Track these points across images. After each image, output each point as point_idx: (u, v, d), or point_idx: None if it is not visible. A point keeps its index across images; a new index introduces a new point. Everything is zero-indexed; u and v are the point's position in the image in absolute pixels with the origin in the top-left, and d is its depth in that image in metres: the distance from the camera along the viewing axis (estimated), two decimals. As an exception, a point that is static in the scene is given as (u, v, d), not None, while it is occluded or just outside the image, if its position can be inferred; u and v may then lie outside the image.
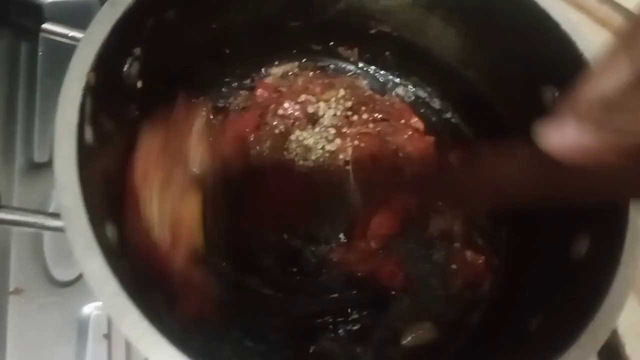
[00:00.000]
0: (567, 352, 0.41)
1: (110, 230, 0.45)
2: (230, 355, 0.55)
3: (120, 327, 0.37)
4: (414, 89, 0.72)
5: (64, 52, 0.68)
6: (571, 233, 0.51)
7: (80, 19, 0.50)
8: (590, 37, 0.52)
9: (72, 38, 0.47)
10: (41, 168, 0.67)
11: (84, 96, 0.43)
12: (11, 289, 0.61)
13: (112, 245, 0.44)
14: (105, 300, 0.38)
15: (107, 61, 0.45)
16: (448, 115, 0.70)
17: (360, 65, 0.72)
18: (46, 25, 0.47)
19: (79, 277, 0.62)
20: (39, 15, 0.47)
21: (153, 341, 0.37)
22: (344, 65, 0.72)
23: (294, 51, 0.69)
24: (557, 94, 0.55)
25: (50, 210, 0.63)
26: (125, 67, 0.50)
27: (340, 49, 0.71)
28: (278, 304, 0.59)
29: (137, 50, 0.50)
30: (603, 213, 0.49)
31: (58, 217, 0.41)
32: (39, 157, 0.68)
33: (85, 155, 0.42)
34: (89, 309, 0.61)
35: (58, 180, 0.40)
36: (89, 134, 0.44)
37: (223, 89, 0.69)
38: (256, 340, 0.57)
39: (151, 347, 0.37)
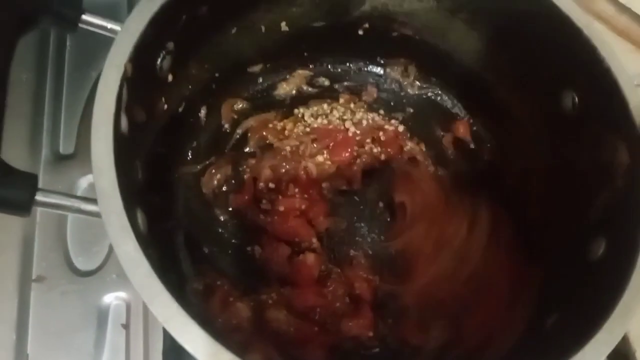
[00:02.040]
0: (581, 351, 0.42)
1: (141, 218, 0.46)
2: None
3: (151, 307, 0.38)
4: (432, 92, 0.73)
5: (91, 47, 0.71)
6: (587, 235, 0.52)
7: (111, 13, 0.51)
8: (611, 45, 0.54)
9: (110, 30, 0.48)
10: (67, 160, 0.68)
11: (121, 85, 0.44)
12: (34, 276, 0.62)
13: (142, 232, 0.45)
14: (137, 281, 0.39)
15: (143, 53, 0.46)
16: (466, 118, 0.71)
17: (379, 69, 0.73)
18: (86, 17, 0.48)
19: (100, 266, 0.63)
20: (78, 6, 0.48)
21: (182, 322, 0.38)
22: (366, 69, 0.73)
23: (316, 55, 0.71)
24: (576, 99, 0.56)
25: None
26: (159, 61, 0.51)
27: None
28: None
29: (171, 45, 0.52)
30: (619, 215, 0.50)
31: (93, 201, 0.42)
32: (64, 149, 0.69)
33: (120, 143, 0.43)
34: (109, 298, 0.62)
35: (96, 164, 0.41)
36: (124, 123, 0.45)
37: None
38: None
39: (180, 328, 0.38)
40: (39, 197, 0.41)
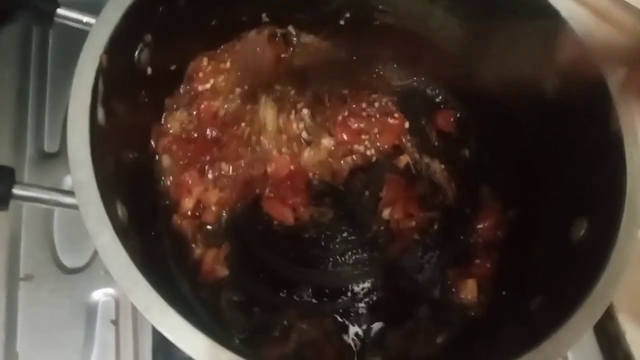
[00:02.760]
0: (563, 327, 0.42)
1: (121, 210, 0.46)
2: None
3: (130, 297, 0.38)
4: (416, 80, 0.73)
5: (74, 43, 0.70)
6: (570, 215, 0.52)
7: (91, 7, 0.51)
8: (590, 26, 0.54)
9: (86, 24, 0.48)
10: (51, 158, 0.68)
11: (97, 77, 0.44)
12: (21, 275, 0.62)
13: (123, 223, 0.45)
14: (116, 272, 0.39)
15: (119, 45, 0.47)
16: (448, 109, 0.71)
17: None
18: (61, 10, 0.48)
19: (88, 263, 0.63)
20: (54, 0, 0.48)
21: (161, 311, 0.38)
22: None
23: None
24: (557, 82, 0.56)
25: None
26: (136, 53, 0.51)
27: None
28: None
29: (148, 37, 0.52)
30: (601, 195, 0.50)
31: (72, 194, 0.42)
32: (49, 147, 0.69)
33: (97, 135, 0.43)
34: (98, 295, 0.62)
35: (72, 157, 0.41)
36: (101, 115, 0.45)
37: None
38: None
39: (159, 316, 0.38)
40: (17, 190, 0.42)
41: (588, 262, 0.47)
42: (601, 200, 0.50)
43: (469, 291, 0.61)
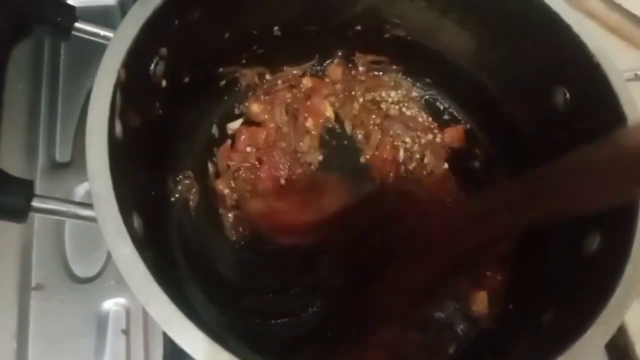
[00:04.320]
0: (576, 344, 0.42)
1: (137, 222, 0.46)
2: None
3: (148, 309, 0.39)
4: (427, 91, 0.73)
5: (86, 55, 0.72)
6: (582, 230, 0.52)
7: (103, 20, 0.52)
8: (601, 41, 0.54)
9: (103, 37, 0.49)
10: (63, 168, 0.69)
11: (115, 91, 0.45)
12: (33, 284, 0.62)
13: (139, 235, 0.46)
14: (134, 284, 0.39)
15: (136, 58, 0.47)
16: (460, 117, 0.72)
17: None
18: (79, 24, 0.49)
19: (99, 273, 0.63)
20: (72, 14, 0.49)
21: (180, 323, 0.38)
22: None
23: (310, 55, 0.71)
24: (567, 95, 0.56)
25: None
26: (152, 66, 0.52)
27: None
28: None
29: (164, 50, 0.52)
30: (613, 211, 0.50)
31: (89, 206, 0.42)
32: (61, 157, 0.70)
33: (115, 148, 0.44)
34: (109, 304, 0.62)
35: (90, 169, 0.42)
36: (118, 128, 0.46)
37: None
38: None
39: (178, 328, 0.38)
40: (36, 203, 0.42)
41: (601, 276, 0.47)
42: (613, 214, 0.50)
43: (479, 303, 0.61)
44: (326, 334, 0.59)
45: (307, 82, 0.72)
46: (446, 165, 0.70)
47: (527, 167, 0.63)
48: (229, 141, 0.67)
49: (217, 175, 0.66)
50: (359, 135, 0.71)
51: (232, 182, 0.66)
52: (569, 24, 0.54)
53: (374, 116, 0.71)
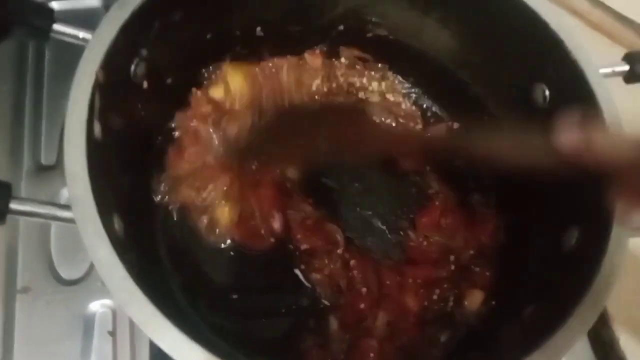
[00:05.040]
0: (555, 335, 0.43)
1: (117, 223, 0.47)
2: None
3: (127, 311, 0.39)
4: (410, 89, 0.73)
5: (70, 57, 0.71)
6: (561, 225, 0.53)
7: (86, 23, 0.51)
8: (583, 40, 0.55)
9: (82, 39, 0.49)
10: (48, 170, 0.69)
11: (93, 92, 0.45)
12: (19, 287, 0.62)
13: (119, 237, 0.46)
14: (113, 285, 0.39)
15: (115, 60, 0.47)
16: (443, 116, 0.72)
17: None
18: (57, 26, 0.49)
19: (85, 275, 0.63)
20: (50, 16, 0.49)
21: (159, 324, 0.39)
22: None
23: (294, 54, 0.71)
24: (546, 92, 0.57)
25: (59, 208, 0.65)
26: (132, 67, 0.52)
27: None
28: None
29: (144, 51, 0.53)
30: (591, 206, 0.50)
31: (68, 208, 0.42)
32: (46, 159, 0.70)
33: (94, 149, 0.44)
34: (95, 306, 0.62)
35: (68, 171, 0.42)
36: (97, 130, 0.46)
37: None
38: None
39: (157, 329, 0.39)
40: (14, 205, 0.42)
41: (579, 271, 0.47)
42: (591, 210, 0.51)
43: (473, 301, 0.61)
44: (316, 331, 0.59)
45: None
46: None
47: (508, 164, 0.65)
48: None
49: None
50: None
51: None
52: (546, 21, 0.55)
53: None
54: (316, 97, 0.70)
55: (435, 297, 0.61)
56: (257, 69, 0.68)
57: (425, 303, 0.61)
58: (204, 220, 0.61)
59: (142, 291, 0.39)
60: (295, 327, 0.59)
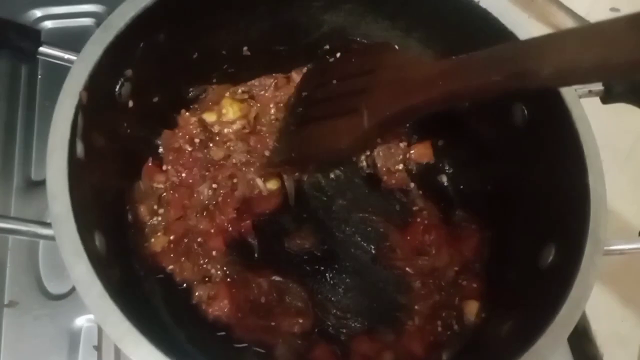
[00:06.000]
0: (531, 348, 0.43)
1: (99, 240, 0.48)
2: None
3: (104, 327, 0.40)
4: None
5: (62, 76, 0.73)
6: (539, 242, 0.54)
7: (75, 43, 0.52)
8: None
9: (68, 60, 0.50)
10: (38, 186, 0.70)
11: (76, 113, 0.46)
12: (6, 301, 0.63)
13: (100, 253, 0.47)
14: (90, 302, 0.40)
15: (99, 81, 0.48)
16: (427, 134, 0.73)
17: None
18: (43, 49, 0.50)
19: (72, 290, 0.64)
20: (36, 39, 0.50)
21: (134, 340, 0.40)
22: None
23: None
24: (525, 111, 0.58)
25: (46, 224, 0.66)
26: (117, 87, 0.53)
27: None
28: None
29: (129, 72, 0.54)
30: (567, 224, 0.51)
31: (49, 226, 0.43)
32: (36, 175, 0.71)
33: (75, 168, 0.45)
34: (81, 321, 0.63)
35: (50, 190, 0.43)
36: (80, 149, 0.47)
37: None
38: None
39: (131, 345, 0.39)
40: (-5, 223, 0.43)
41: (554, 287, 0.48)
42: (567, 228, 0.51)
43: (470, 312, 0.61)
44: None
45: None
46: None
47: (490, 181, 0.66)
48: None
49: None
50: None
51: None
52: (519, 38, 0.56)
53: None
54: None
55: (439, 328, 0.62)
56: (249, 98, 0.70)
57: (432, 338, 0.61)
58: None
59: (118, 308, 0.40)
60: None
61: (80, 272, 0.41)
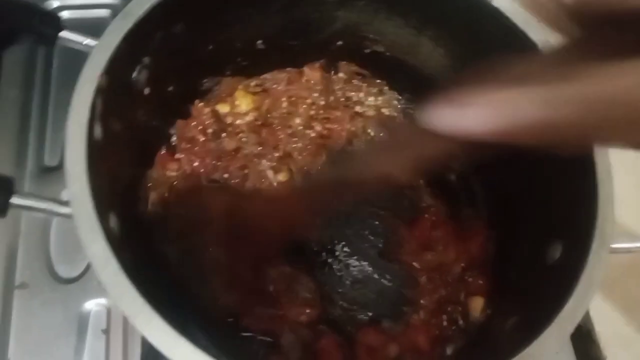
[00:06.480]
0: (533, 343, 0.44)
1: (114, 221, 0.48)
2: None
3: (119, 304, 0.40)
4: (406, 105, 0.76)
5: (77, 65, 0.74)
6: (546, 241, 0.54)
7: (93, 32, 0.53)
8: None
9: (87, 46, 0.51)
10: (51, 172, 0.71)
11: (95, 96, 0.47)
12: (17, 283, 0.64)
13: (115, 235, 0.48)
14: (106, 279, 0.41)
15: (117, 66, 0.49)
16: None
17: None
18: (63, 34, 0.51)
19: (82, 274, 0.65)
20: (57, 24, 0.52)
21: (149, 318, 0.40)
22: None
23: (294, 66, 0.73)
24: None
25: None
26: (135, 74, 0.54)
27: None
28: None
29: (147, 59, 0.55)
30: (575, 222, 0.52)
31: (68, 205, 0.44)
32: (49, 161, 0.72)
33: (93, 150, 0.46)
34: (90, 305, 0.64)
35: (68, 169, 0.44)
36: (98, 132, 0.48)
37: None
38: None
39: (146, 322, 0.40)
40: (15, 200, 0.44)
41: (560, 283, 0.49)
42: (575, 226, 0.52)
43: (475, 308, 0.62)
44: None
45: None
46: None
47: (499, 177, 0.66)
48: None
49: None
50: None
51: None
52: (535, 42, 0.57)
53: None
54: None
55: (445, 323, 0.62)
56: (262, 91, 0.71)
57: (437, 332, 0.62)
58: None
59: (133, 285, 0.41)
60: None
61: (97, 249, 0.41)
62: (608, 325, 0.71)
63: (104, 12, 0.82)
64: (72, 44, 0.52)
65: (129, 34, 0.50)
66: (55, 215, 0.44)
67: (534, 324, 0.46)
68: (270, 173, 0.66)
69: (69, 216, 0.44)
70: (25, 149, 0.72)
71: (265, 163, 0.67)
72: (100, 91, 0.47)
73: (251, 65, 0.70)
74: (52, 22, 0.51)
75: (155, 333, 0.40)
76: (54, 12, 0.53)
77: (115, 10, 0.82)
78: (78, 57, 0.54)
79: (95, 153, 0.46)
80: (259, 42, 0.68)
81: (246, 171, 0.66)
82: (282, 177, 0.67)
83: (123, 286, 0.41)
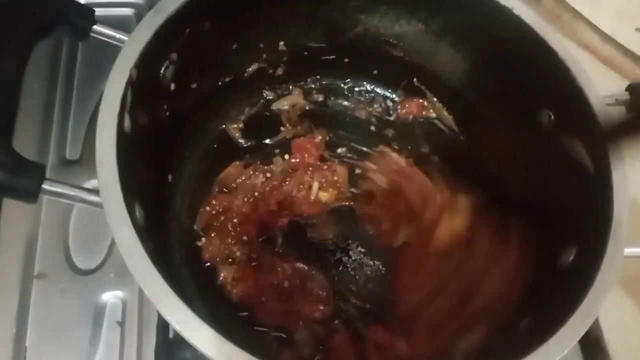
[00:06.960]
0: (544, 345, 0.45)
1: (139, 212, 0.49)
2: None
3: (145, 288, 0.41)
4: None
5: (100, 60, 0.76)
6: (560, 245, 0.55)
7: (122, 25, 0.55)
8: (587, 67, 0.58)
9: (119, 40, 0.53)
10: (72, 165, 0.72)
11: (126, 88, 0.48)
12: (35, 273, 0.65)
13: (140, 224, 0.49)
14: (133, 264, 0.42)
15: (148, 60, 0.51)
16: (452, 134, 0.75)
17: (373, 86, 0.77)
18: (97, 27, 0.53)
19: (99, 266, 0.66)
20: (91, 17, 0.53)
21: (173, 303, 0.41)
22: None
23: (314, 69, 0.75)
24: (552, 116, 0.60)
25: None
26: (163, 69, 0.56)
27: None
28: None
29: (174, 55, 0.56)
30: (590, 227, 0.53)
31: (95, 193, 0.45)
32: (70, 154, 0.73)
33: (123, 140, 0.47)
34: (107, 296, 0.65)
35: (99, 158, 0.45)
36: (127, 123, 0.49)
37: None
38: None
39: (169, 307, 0.41)
40: (46, 185, 0.45)
41: (573, 285, 0.49)
42: (590, 231, 0.53)
43: None
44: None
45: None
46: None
47: (515, 182, 0.67)
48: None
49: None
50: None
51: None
52: (555, 50, 0.58)
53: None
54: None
55: None
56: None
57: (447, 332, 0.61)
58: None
59: (159, 272, 0.42)
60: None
61: (125, 235, 0.42)
62: (618, 333, 0.71)
63: (128, 11, 0.84)
64: (104, 38, 0.53)
65: (160, 29, 0.51)
66: (84, 202, 0.45)
67: (547, 326, 0.47)
68: (315, 185, 0.68)
69: (97, 204, 0.45)
70: (48, 141, 0.73)
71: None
72: (131, 83, 0.49)
73: (272, 65, 0.71)
74: (87, 15, 0.52)
75: (179, 318, 0.41)
76: (88, 5, 0.54)
77: (139, 9, 0.84)
78: (101, 52, 0.55)
79: (124, 143, 0.47)
80: (281, 43, 0.70)
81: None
82: (325, 196, 0.69)
83: (149, 271, 0.42)
